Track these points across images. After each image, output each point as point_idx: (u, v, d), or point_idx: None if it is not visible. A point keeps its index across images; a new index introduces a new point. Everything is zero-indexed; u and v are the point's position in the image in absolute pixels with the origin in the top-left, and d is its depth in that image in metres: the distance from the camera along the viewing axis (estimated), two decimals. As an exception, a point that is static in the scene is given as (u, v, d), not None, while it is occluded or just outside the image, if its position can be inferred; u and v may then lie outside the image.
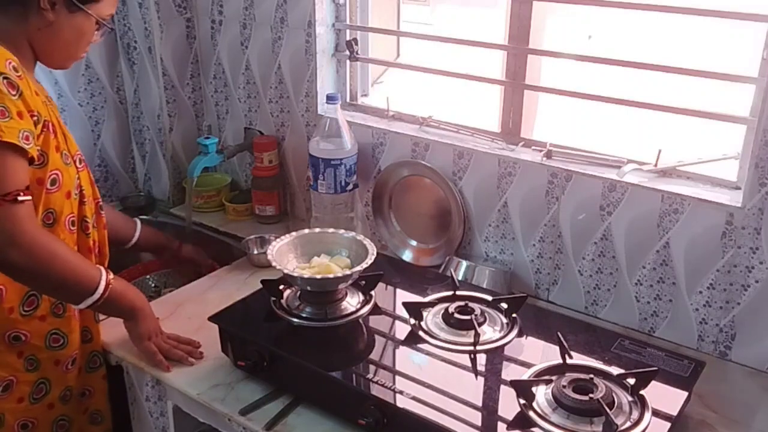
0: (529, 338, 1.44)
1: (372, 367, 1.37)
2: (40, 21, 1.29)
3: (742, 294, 1.45)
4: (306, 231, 1.57)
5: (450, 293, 1.52)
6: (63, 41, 1.34)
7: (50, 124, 1.32)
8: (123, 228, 1.75)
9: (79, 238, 1.42)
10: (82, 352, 1.48)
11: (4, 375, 1.38)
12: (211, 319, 1.46)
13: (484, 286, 1.68)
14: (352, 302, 1.48)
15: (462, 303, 1.46)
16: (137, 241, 1.77)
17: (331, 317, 1.43)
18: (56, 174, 1.33)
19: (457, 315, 1.43)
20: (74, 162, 1.40)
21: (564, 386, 1.20)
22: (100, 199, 1.51)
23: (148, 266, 1.99)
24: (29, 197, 1.24)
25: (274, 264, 1.43)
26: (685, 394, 1.26)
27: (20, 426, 1.43)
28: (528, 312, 1.49)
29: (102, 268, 1.38)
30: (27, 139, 1.22)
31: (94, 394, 1.54)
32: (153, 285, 1.96)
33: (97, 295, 1.34)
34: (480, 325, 1.41)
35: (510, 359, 1.37)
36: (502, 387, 1.29)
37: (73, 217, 1.39)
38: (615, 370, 1.28)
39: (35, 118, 1.26)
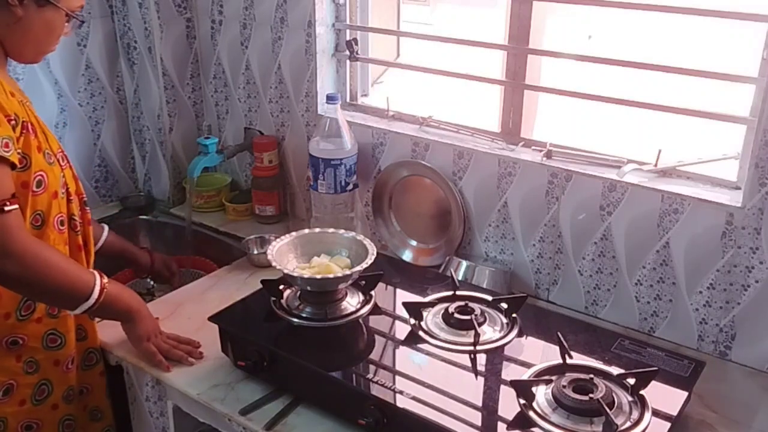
0: (529, 338, 1.44)
1: (372, 367, 1.37)
2: (9, 17, 1.27)
3: (742, 294, 1.45)
4: (306, 231, 1.57)
5: (450, 293, 1.52)
6: (33, 36, 1.32)
7: (29, 125, 1.30)
8: None
9: (69, 236, 1.41)
10: (78, 350, 1.48)
11: (3, 379, 1.38)
12: (211, 319, 1.46)
13: (484, 286, 1.68)
14: (352, 302, 1.48)
15: (462, 303, 1.46)
16: (101, 248, 1.68)
17: (331, 317, 1.43)
18: (41, 175, 1.32)
19: (457, 315, 1.43)
20: (57, 160, 1.38)
21: (564, 386, 1.20)
22: (84, 195, 1.49)
23: None
24: (16, 206, 1.23)
25: (274, 264, 1.43)
26: (685, 394, 1.26)
27: (24, 428, 1.43)
28: (528, 312, 1.49)
29: (96, 273, 1.37)
30: (6, 146, 1.21)
31: (93, 391, 1.54)
32: (152, 284, 1.96)
33: (92, 301, 1.33)
34: (480, 325, 1.41)
35: (510, 359, 1.37)
36: (502, 387, 1.29)
37: (61, 216, 1.38)
38: (615, 370, 1.28)
39: (13, 122, 1.24)
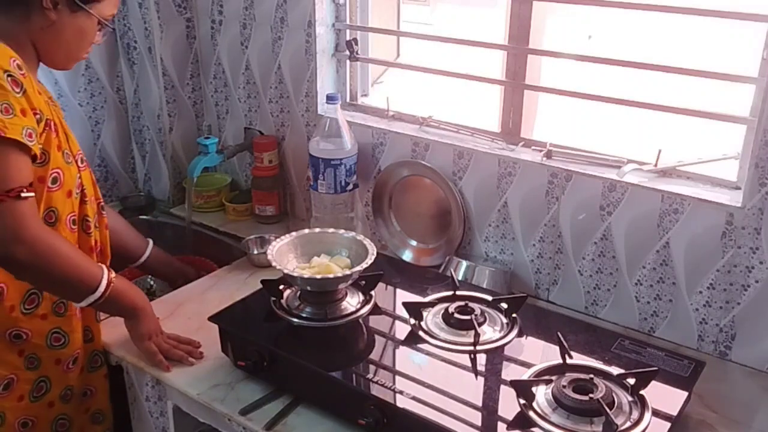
0: (529, 338, 1.44)
1: (372, 367, 1.37)
2: (43, 21, 1.30)
3: (742, 294, 1.45)
4: (306, 231, 1.57)
5: (450, 293, 1.52)
6: (65, 41, 1.35)
7: (52, 123, 1.32)
8: (133, 245, 1.73)
9: (80, 237, 1.42)
10: (84, 351, 1.48)
11: (4, 373, 1.38)
12: (211, 319, 1.46)
13: (484, 286, 1.68)
14: (352, 302, 1.48)
15: (462, 303, 1.46)
16: (145, 262, 1.75)
17: (331, 317, 1.43)
18: (57, 173, 1.34)
19: (457, 315, 1.43)
20: (76, 161, 1.40)
21: (564, 386, 1.20)
22: (102, 200, 1.51)
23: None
24: (32, 194, 1.24)
25: (274, 264, 1.43)
26: (685, 394, 1.26)
27: (20, 424, 1.43)
28: (528, 312, 1.49)
29: (104, 267, 1.38)
30: (30, 136, 1.23)
31: (96, 393, 1.54)
32: (152, 284, 1.96)
33: (98, 293, 1.34)
34: (480, 325, 1.41)
35: (510, 359, 1.37)
36: (502, 387, 1.29)
37: (74, 216, 1.39)
38: (615, 370, 1.28)
39: (38, 116, 1.27)
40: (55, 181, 1.33)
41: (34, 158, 1.26)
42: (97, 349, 1.52)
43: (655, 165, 1.55)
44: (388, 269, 1.60)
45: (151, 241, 1.77)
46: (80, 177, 1.41)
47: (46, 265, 1.26)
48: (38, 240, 1.23)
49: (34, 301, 1.38)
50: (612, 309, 1.63)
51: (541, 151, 1.67)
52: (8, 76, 1.21)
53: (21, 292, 1.36)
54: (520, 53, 1.72)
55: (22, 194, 1.21)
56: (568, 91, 1.66)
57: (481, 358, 1.36)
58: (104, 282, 1.35)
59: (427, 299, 1.52)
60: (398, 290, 1.63)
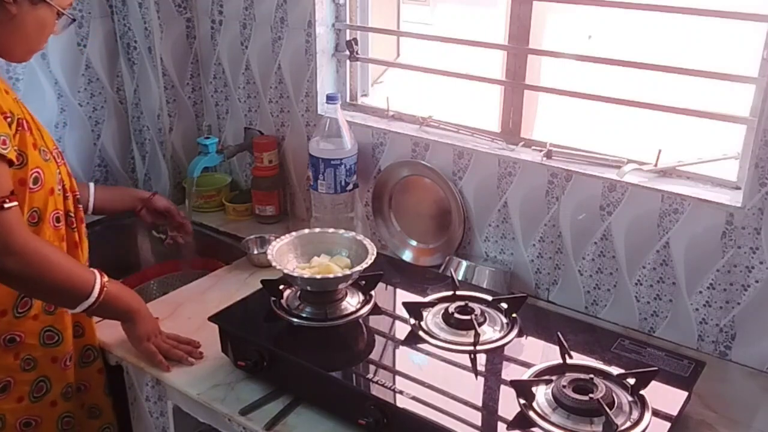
0: (529, 338, 1.44)
1: (372, 367, 1.36)
2: (3, 15, 1.26)
3: (742, 294, 1.45)
4: (306, 231, 1.57)
5: (450, 293, 1.52)
6: (25, 34, 1.31)
7: (24, 122, 1.30)
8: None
9: (66, 233, 1.41)
10: (75, 347, 1.48)
11: (0, 377, 1.38)
12: (211, 319, 1.46)
13: (484, 286, 1.68)
14: (352, 302, 1.48)
15: (462, 303, 1.46)
16: (95, 207, 1.64)
17: (331, 317, 1.43)
18: (38, 172, 1.32)
19: (457, 315, 1.43)
20: (53, 157, 1.38)
21: (564, 386, 1.20)
22: (78, 192, 1.47)
23: (147, 273, 1.99)
24: (15, 203, 1.22)
25: (274, 264, 1.43)
26: (685, 394, 1.26)
27: (22, 424, 1.43)
28: (528, 312, 1.49)
29: (96, 272, 1.37)
30: (4, 143, 1.21)
31: (90, 388, 1.54)
32: (154, 288, 1.96)
33: (92, 299, 1.33)
34: (480, 325, 1.41)
35: (510, 359, 1.37)
36: (502, 387, 1.29)
37: (57, 213, 1.38)
38: (615, 370, 1.28)
39: (9, 119, 1.24)
40: (36, 181, 1.32)
41: (10, 163, 1.24)
42: (89, 344, 1.51)
43: (655, 165, 1.55)
44: (388, 269, 1.59)
45: (91, 184, 1.66)
46: (60, 172, 1.39)
47: (37, 274, 1.24)
48: (28, 249, 1.22)
49: (27, 304, 1.37)
50: (612, 309, 1.63)
51: (541, 151, 1.67)
52: None
53: (13, 297, 1.35)
54: (520, 53, 1.72)
55: (5, 205, 1.20)
56: (568, 91, 1.66)
57: (481, 358, 1.36)
58: (97, 287, 1.34)
59: (427, 299, 1.52)
60: (398, 290, 1.63)
